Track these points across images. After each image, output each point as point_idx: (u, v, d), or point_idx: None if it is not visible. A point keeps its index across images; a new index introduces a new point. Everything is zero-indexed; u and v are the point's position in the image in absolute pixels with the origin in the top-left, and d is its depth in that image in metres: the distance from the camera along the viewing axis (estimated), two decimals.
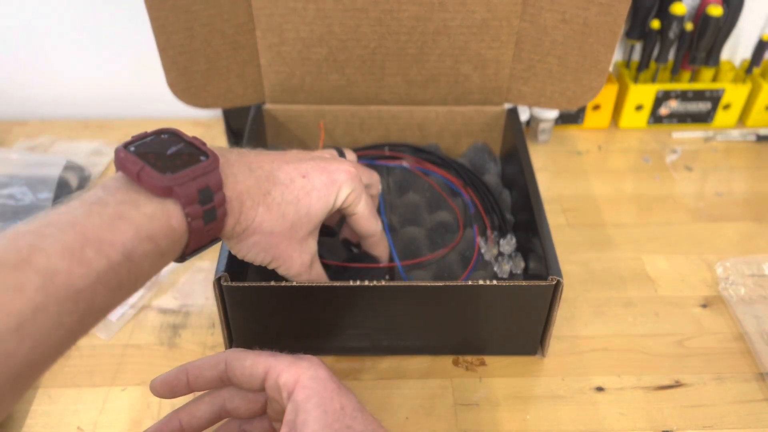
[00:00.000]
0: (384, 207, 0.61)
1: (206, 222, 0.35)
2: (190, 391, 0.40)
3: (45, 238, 0.28)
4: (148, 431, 0.39)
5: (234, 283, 0.46)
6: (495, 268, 0.55)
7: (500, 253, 0.56)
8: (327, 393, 0.34)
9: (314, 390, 0.34)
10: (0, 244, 0.27)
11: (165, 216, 0.33)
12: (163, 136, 0.36)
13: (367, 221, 0.47)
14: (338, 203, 0.44)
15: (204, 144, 0.36)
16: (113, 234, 0.30)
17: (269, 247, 0.41)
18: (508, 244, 0.56)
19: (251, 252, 0.41)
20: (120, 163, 0.34)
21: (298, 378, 0.35)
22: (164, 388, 0.39)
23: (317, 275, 0.46)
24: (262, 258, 0.42)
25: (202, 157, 0.35)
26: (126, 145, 0.34)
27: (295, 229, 0.42)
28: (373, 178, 0.50)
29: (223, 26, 0.59)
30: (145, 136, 0.36)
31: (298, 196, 0.42)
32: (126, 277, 0.31)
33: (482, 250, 0.56)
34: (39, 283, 0.27)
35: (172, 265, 0.60)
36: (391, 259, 0.53)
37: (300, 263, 0.43)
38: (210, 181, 0.35)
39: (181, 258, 0.36)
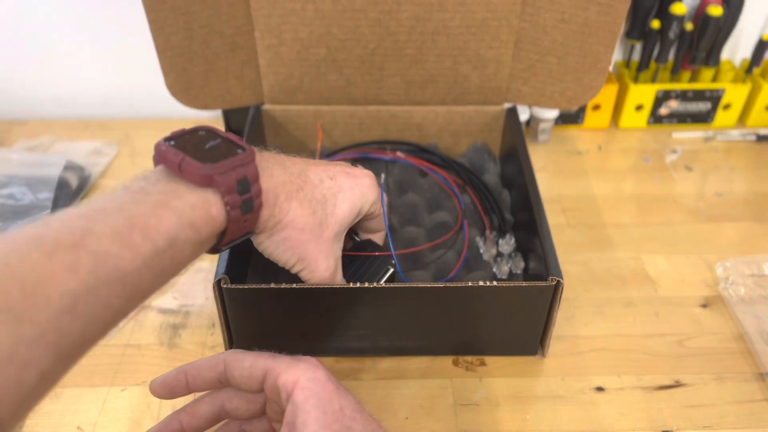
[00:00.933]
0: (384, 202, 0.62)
1: (244, 212, 0.36)
2: (189, 392, 0.40)
3: (96, 223, 0.29)
4: (151, 431, 0.40)
5: (234, 285, 0.46)
6: (494, 269, 0.55)
7: (499, 254, 0.56)
8: (326, 394, 0.35)
9: (313, 391, 0.35)
10: (53, 226, 0.28)
11: (206, 205, 0.34)
12: (200, 132, 0.37)
13: (383, 220, 0.50)
14: (365, 209, 0.46)
15: (240, 139, 0.38)
16: (158, 221, 0.31)
17: (298, 245, 0.41)
18: (507, 244, 0.56)
19: (280, 248, 0.41)
20: (161, 155, 0.35)
21: (297, 379, 0.35)
22: (163, 389, 0.40)
23: (332, 281, 0.46)
24: (288, 256, 0.42)
25: (239, 150, 0.36)
26: (166, 140, 0.36)
27: (323, 228, 0.42)
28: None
29: (221, 27, 0.59)
30: (183, 133, 0.37)
31: (326, 195, 0.43)
32: (169, 262, 0.32)
33: (481, 251, 0.56)
34: (91, 265, 0.28)
35: None
36: (388, 247, 0.53)
37: (325, 267, 0.44)
38: (248, 172, 0.36)
39: (216, 249, 0.37)
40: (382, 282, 0.48)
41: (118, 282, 0.29)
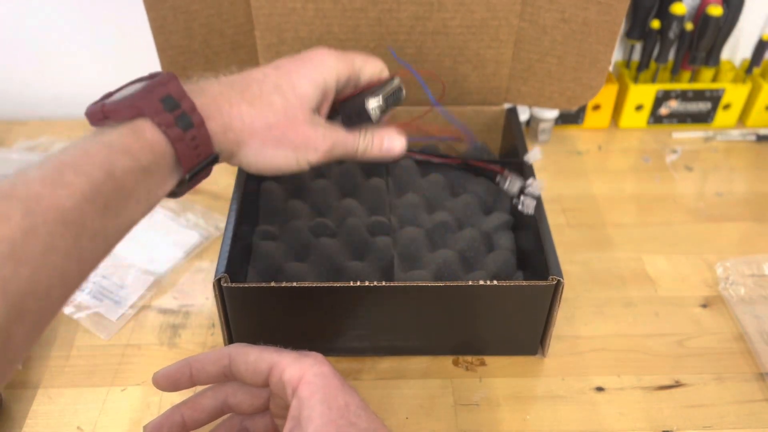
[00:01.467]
0: (384, 206, 0.61)
1: (184, 128, 0.34)
2: (193, 385, 0.39)
3: (25, 175, 0.29)
4: (150, 424, 0.39)
5: (234, 284, 0.46)
6: (520, 207, 0.54)
7: (524, 188, 0.55)
8: (331, 390, 0.34)
9: (318, 386, 0.34)
10: None
11: (137, 130, 0.33)
12: (123, 85, 0.37)
13: (377, 68, 0.45)
14: (330, 81, 0.42)
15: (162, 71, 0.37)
16: (89, 157, 0.31)
17: (281, 140, 0.40)
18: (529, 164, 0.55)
19: (267, 155, 0.40)
20: (89, 116, 0.35)
21: (303, 374, 0.35)
22: (166, 381, 0.39)
23: (345, 139, 0.43)
24: (283, 156, 0.40)
25: (157, 76, 0.36)
26: (93, 103, 0.36)
27: (291, 114, 0.40)
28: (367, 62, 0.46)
29: (222, 26, 0.59)
30: (109, 93, 0.37)
31: (277, 83, 0.41)
32: (112, 195, 0.31)
33: (506, 187, 0.56)
34: (23, 209, 0.28)
35: (172, 265, 0.60)
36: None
37: (322, 136, 0.41)
38: (170, 89, 0.35)
39: (182, 184, 0.36)
40: (390, 89, 0.44)
41: (58, 222, 0.28)
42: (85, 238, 0.30)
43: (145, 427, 0.40)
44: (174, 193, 0.38)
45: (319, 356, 0.37)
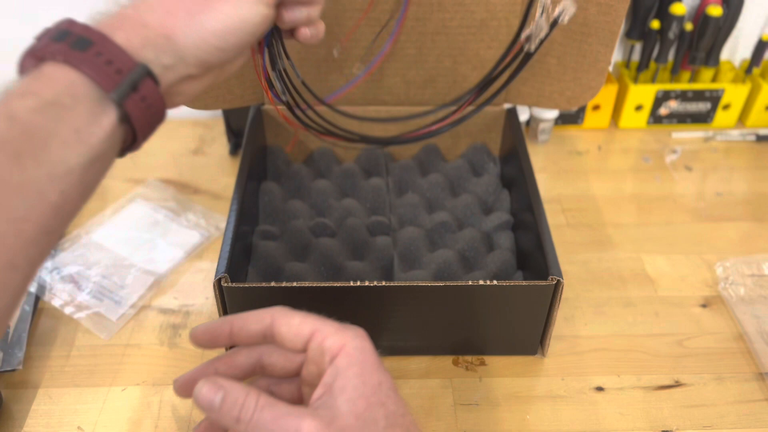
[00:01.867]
0: (384, 206, 0.61)
1: (81, 49, 0.32)
2: (231, 343, 0.39)
3: None
4: (182, 377, 0.39)
5: (234, 284, 0.46)
6: (562, 19, 0.52)
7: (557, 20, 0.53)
8: (368, 366, 0.35)
9: (357, 359, 0.34)
10: None
11: (36, 74, 0.32)
12: None
13: None
14: None
15: None
16: None
17: (205, 5, 0.36)
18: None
19: (209, 23, 0.36)
20: None
21: (344, 345, 0.35)
22: (205, 336, 0.39)
23: None
24: (225, 12, 0.36)
25: None
26: None
27: None
28: None
29: None
30: None
31: None
32: (22, 139, 0.29)
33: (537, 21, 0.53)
34: None
35: (173, 265, 0.60)
36: None
37: None
38: (60, 27, 0.34)
39: (125, 120, 0.33)
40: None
41: None
42: (8, 193, 0.28)
43: (176, 381, 0.39)
44: (133, 143, 0.35)
45: (360, 330, 0.36)
